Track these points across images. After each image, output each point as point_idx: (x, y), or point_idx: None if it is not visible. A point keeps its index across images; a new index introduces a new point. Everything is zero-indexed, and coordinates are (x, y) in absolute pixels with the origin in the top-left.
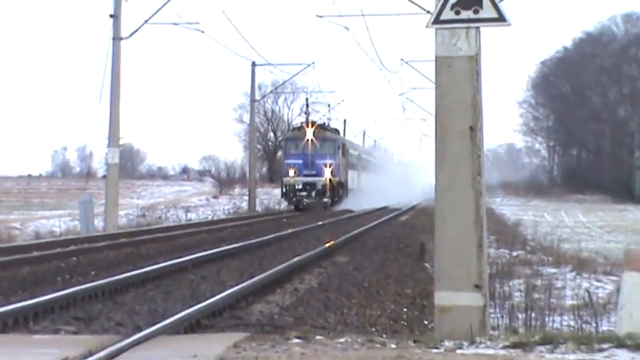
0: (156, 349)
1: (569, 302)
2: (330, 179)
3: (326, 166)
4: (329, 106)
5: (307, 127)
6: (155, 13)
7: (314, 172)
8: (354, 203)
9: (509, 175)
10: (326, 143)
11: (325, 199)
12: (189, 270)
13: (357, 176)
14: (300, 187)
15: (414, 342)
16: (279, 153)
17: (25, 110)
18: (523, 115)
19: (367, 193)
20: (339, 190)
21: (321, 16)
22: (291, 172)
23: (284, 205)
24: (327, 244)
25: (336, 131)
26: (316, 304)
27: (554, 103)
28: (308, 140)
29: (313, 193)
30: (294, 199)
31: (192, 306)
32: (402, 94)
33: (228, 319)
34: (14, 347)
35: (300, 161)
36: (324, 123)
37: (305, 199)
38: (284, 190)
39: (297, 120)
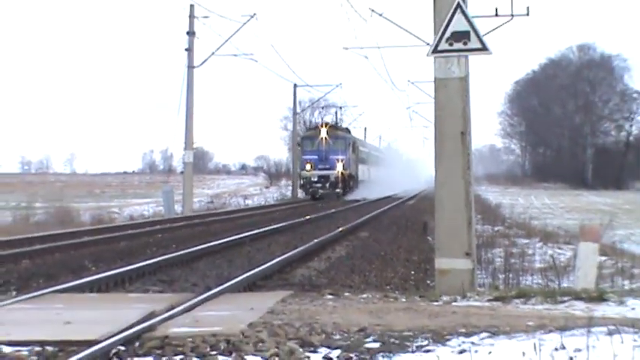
0: (222, 304)
1: (538, 265)
2: (341, 172)
3: (338, 161)
4: (340, 108)
5: (321, 127)
6: (219, 47)
7: (328, 166)
8: (364, 193)
9: (491, 169)
10: (338, 141)
11: (338, 190)
12: (247, 243)
13: (367, 170)
14: (316, 179)
15: (420, 297)
16: None
17: (122, 121)
18: (501, 123)
19: (376, 184)
20: (349, 181)
21: (346, 48)
22: (308, 167)
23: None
24: (340, 229)
25: (347, 130)
26: (344, 269)
27: (526, 113)
28: (322, 138)
29: (327, 185)
30: (311, 189)
31: (250, 271)
32: (409, 107)
33: (277, 281)
34: (115, 303)
35: (316, 157)
36: (337, 123)
37: (320, 190)
38: (302, 182)
39: None
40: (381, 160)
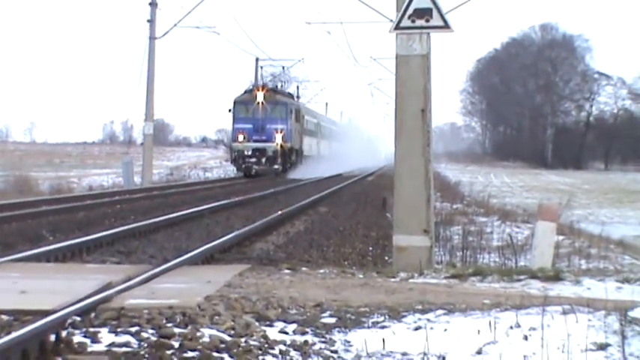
0: (179, 276)
1: (495, 244)
2: (281, 145)
3: (277, 132)
4: (283, 68)
5: (258, 90)
6: (182, 19)
7: (264, 138)
8: (309, 170)
9: (451, 147)
10: (277, 107)
11: (276, 166)
12: (206, 216)
13: (315, 143)
14: (250, 153)
15: (377, 273)
16: None
17: (82, 91)
18: (463, 101)
19: (327, 160)
20: (291, 156)
21: (309, 23)
22: (241, 138)
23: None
24: (280, 212)
25: (290, 96)
26: (303, 243)
27: (487, 91)
28: (258, 104)
29: (263, 160)
30: (244, 165)
31: (208, 244)
32: (371, 83)
33: (235, 254)
34: (72, 273)
35: (250, 126)
36: (276, 86)
37: (255, 166)
38: (233, 156)
39: None
40: (335, 133)
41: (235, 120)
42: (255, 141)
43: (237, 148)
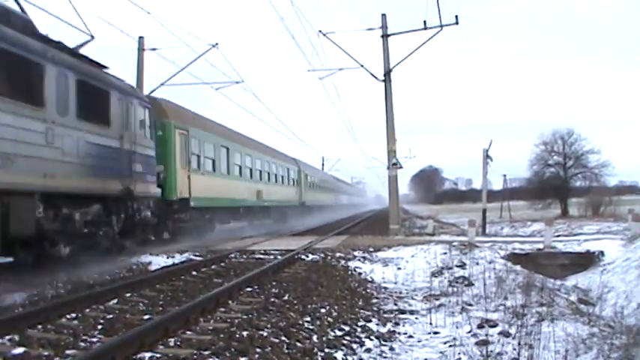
0: (330, 239)
1: (419, 225)
2: None
3: None
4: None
5: None
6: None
7: None
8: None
9: (406, 200)
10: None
11: None
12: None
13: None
14: None
15: (384, 235)
16: None
17: None
18: (409, 184)
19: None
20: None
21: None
22: None
23: None
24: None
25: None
26: (362, 230)
27: (416, 181)
28: None
29: None
30: None
31: (336, 230)
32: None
33: (345, 232)
34: (300, 240)
35: None
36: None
37: None
38: None
39: None
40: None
41: None
42: None
43: None
